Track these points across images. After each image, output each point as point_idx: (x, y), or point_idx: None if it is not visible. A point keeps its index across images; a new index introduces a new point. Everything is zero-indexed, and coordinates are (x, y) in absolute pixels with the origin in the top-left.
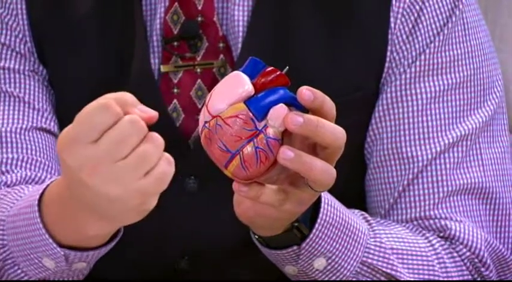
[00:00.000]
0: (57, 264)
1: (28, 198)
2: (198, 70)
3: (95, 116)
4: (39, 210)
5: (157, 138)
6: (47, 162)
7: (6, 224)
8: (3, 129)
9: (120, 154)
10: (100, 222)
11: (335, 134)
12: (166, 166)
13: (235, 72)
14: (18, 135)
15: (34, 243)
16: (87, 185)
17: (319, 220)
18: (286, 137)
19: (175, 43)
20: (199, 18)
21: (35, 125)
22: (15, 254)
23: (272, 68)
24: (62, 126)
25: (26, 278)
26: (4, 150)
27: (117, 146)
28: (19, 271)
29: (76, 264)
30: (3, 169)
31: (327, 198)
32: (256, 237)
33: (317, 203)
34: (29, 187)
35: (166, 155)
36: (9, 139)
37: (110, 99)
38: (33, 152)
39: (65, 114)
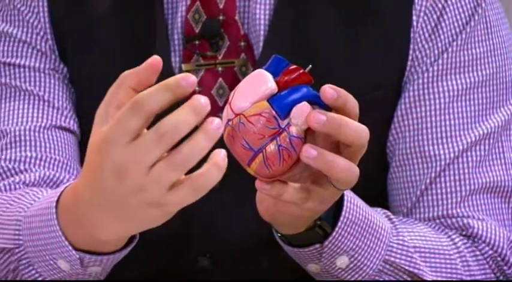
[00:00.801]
0: (72, 266)
1: (46, 200)
2: (220, 69)
3: (128, 119)
4: (56, 212)
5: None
6: (65, 161)
7: (22, 224)
8: (23, 127)
9: (155, 157)
10: (113, 226)
11: (358, 132)
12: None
13: (259, 70)
14: (37, 134)
15: (50, 245)
16: (116, 187)
17: (341, 218)
18: (309, 135)
19: (197, 42)
20: (221, 17)
21: (54, 123)
22: (31, 255)
23: (295, 66)
24: (82, 125)
25: (40, 279)
26: (23, 148)
27: (154, 148)
28: (33, 272)
29: (91, 268)
30: (22, 168)
31: (349, 196)
32: (279, 235)
33: (340, 201)
34: (48, 190)
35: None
36: (27, 137)
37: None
38: (52, 151)
39: (85, 113)
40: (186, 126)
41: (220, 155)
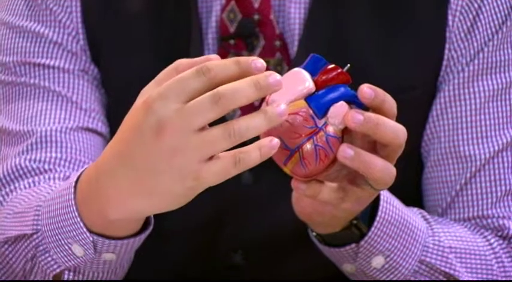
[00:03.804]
0: (86, 251)
1: (67, 182)
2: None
3: (190, 79)
4: (74, 192)
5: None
6: (90, 163)
7: (42, 209)
8: (49, 128)
9: (204, 120)
10: (128, 202)
11: (395, 132)
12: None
13: (296, 68)
14: (63, 135)
15: (66, 227)
16: (152, 146)
17: (378, 218)
18: (346, 134)
19: (232, 41)
20: (256, 17)
21: (81, 125)
22: (47, 240)
23: (333, 65)
24: (113, 127)
25: (55, 267)
26: (49, 149)
27: (207, 110)
28: (49, 258)
29: (105, 254)
30: (46, 167)
31: (386, 196)
32: (314, 234)
33: (376, 201)
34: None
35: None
36: (53, 138)
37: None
38: (78, 152)
39: (117, 115)
40: (243, 96)
41: (269, 140)
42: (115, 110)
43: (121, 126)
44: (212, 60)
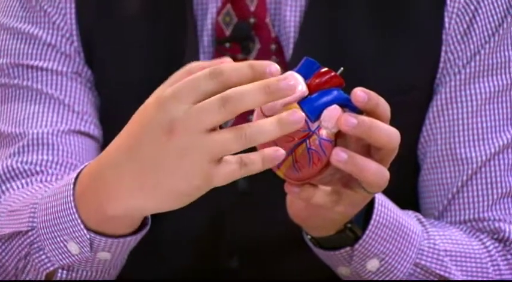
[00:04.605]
0: (82, 249)
1: (66, 178)
2: None
3: (203, 81)
4: (73, 189)
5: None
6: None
7: (38, 206)
8: (41, 130)
9: (212, 121)
10: (128, 198)
11: (389, 135)
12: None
13: (290, 72)
14: (55, 138)
15: (62, 224)
16: (161, 145)
17: (372, 221)
18: (340, 138)
19: (227, 44)
20: (252, 20)
21: (73, 128)
22: (42, 237)
23: (327, 68)
24: (107, 129)
25: (49, 265)
26: (40, 151)
27: (215, 112)
28: (43, 256)
29: (100, 253)
30: (38, 169)
31: (380, 199)
32: (309, 237)
33: (370, 204)
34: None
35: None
36: (45, 141)
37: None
38: (70, 155)
39: (110, 117)
40: (251, 99)
41: (274, 150)
42: (108, 112)
43: (130, 121)
44: (225, 63)
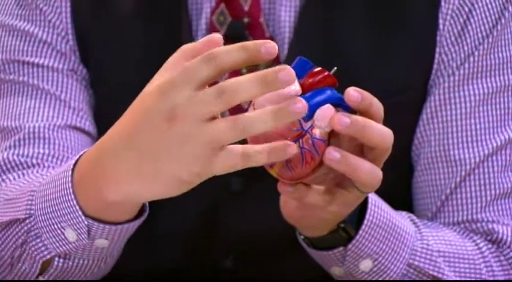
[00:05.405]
0: (79, 236)
1: (64, 165)
2: (244, 71)
3: (198, 67)
4: (72, 175)
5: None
6: None
7: (36, 193)
8: (37, 124)
9: (209, 112)
10: (127, 184)
11: (382, 135)
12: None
13: (286, 65)
14: (51, 132)
15: (61, 210)
16: (162, 132)
17: (365, 221)
18: (333, 137)
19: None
20: (246, 19)
21: (69, 123)
22: (40, 224)
23: (320, 68)
24: (101, 127)
25: (45, 253)
26: (36, 145)
27: (211, 102)
28: (40, 244)
29: (98, 240)
30: (34, 162)
31: (373, 199)
32: (302, 237)
33: (364, 204)
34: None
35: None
36: (41, 135)
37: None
38: (65, 149)
39: (106, 116)
40: (245, 91)
41: (285, 144)
42: (105, 111)
43: (128, 109)
44: (215, 41)
